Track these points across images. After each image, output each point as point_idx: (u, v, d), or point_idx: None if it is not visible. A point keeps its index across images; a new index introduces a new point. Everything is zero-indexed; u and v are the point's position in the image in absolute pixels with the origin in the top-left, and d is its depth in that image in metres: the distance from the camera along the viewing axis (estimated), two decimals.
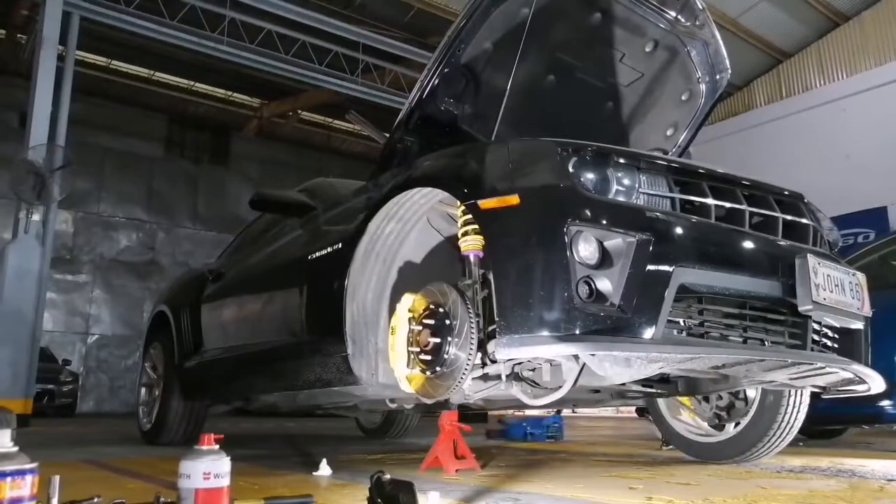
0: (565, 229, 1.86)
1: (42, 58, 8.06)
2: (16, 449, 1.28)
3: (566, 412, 11.08)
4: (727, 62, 3.15)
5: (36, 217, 7.79)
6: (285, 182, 13.02)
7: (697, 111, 3.30)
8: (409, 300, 2.23)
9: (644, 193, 2.06)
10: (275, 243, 3.49)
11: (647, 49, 3.05)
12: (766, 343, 2.15)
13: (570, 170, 1.98)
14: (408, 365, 2.23)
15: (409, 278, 2.55)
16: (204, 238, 15.02)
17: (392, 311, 2.36)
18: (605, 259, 1.89)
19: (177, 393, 4.13)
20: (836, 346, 2.38)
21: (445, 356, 2.11)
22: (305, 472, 2.71)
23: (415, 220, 2.55)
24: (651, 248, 1.89)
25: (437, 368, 2.13)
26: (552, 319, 1.83)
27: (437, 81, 2.63)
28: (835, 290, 2.20)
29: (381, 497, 1.72)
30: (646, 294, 1.87)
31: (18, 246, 7.68)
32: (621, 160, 2.07)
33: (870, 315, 2.41)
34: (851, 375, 2.36)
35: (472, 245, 2.15)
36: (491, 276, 2.00)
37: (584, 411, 10.48)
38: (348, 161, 16.31)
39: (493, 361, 2.07)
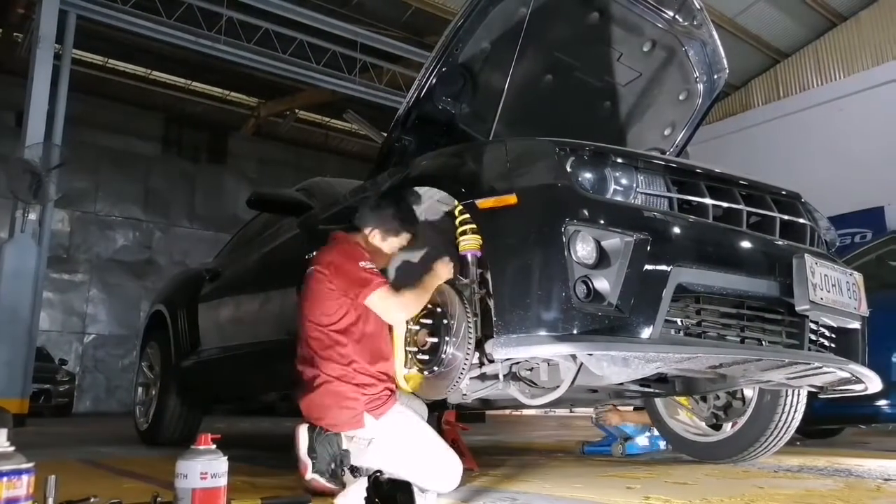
0: (563, 229, 1.86)
1: (38, 56, 8.03)
2: (12, 449, 1.28)
3: (562, 411, 11.07)
4: (725, 62, 3.14)
5: (32, 216, 7.76)
6: (283, 181, 13.00)
7: (695, 111, 3.29)
8: None
9: (642, 193, 2.06)
10: (272, 242, 3.48)
11: (645, 49, 3.04)
12: (763, 343, 2.15)
13: (568, 169, 1.98)
14: (405, 365, 2.23)
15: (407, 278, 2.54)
16: (201, 237, 14.97)
17: None
18: (602, 259, 1.89)
19: (174, 392, 4.12)
20: (833, 345, 2.38)
21: (443, 356, 2.11)
22: None
23: None
24: (649, 248, 1.89)
25: (435, 368, 2.13)
26: (550, 319, 1.82)
27: (434, 81, 2.62)
28: (832, 290, 2.20)
29: (379, 497, 1.73)
30: (643, 294, 1.87)
31: (15, 245, 7.65)
32: (619, 160, 2.07)
33: (867, 315, 2.41)
34: (848, 375, 2.36)
35: (469, 245, 2.15)
36: (489, 276, 2.00)
37: (581, 411, 10.47)
38: (346, 160, 16.28)
39: (491, 361, 2.07)
